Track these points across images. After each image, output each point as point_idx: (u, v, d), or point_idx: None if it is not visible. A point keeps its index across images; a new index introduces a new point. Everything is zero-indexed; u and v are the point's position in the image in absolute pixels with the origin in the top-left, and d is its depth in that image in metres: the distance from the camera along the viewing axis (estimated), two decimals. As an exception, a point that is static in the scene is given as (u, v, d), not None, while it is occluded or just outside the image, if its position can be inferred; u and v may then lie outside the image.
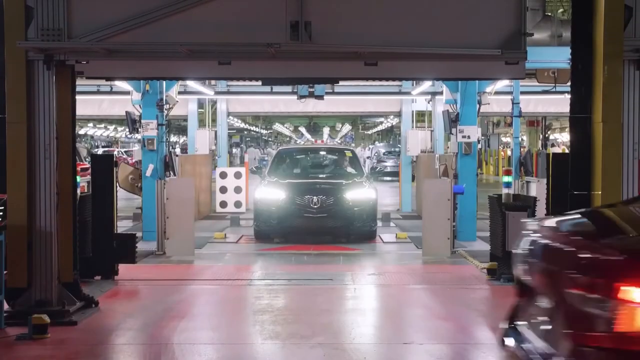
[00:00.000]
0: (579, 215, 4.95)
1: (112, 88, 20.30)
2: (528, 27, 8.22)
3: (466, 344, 7.44)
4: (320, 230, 14.03)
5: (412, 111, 22.64)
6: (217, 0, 8.04)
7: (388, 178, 32.43)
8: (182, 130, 44.09)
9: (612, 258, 3.51)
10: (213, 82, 20.16)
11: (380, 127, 49.50)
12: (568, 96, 8.95)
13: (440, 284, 10.29)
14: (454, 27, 8.16)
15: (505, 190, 10.85)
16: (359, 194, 14.28)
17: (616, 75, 8.11)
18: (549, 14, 14.48)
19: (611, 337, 3.34)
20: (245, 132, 58.78)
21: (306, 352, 7.06)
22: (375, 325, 8.40)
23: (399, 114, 23.64)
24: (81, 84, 12.04)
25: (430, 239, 12.30)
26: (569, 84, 9.16)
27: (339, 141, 65.23)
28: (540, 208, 10.29)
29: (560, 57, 12.19)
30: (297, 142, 67.30)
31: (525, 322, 4.35)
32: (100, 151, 43.84)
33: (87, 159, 23.54)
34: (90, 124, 42.63)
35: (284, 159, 16.72)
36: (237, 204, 19.64)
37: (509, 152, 37.58)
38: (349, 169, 16.24)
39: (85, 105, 21.87)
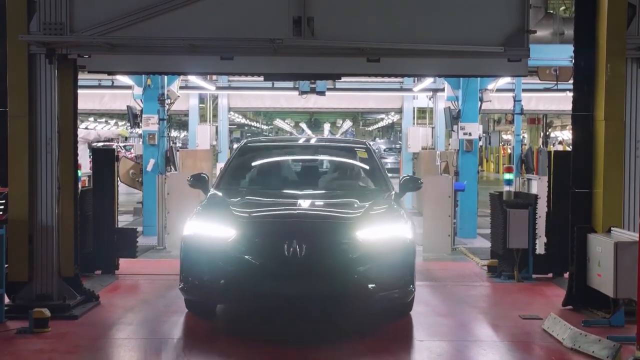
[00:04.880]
0: None
1: (113, 82, 20.28)
2: (530, 25, 8.20)
3: (466, 341, 7.43)
4: (308, 304, 7.40)
5: (414, 108, 22.65)
6: (219, -5, 8.05)
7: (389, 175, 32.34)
8: (183, 126, 44.08)
9: None
10: (214, 77, 20.13)
11: (381, 124, 49.46)
12: (569, 94, 8.95)
13: (440, 281, 10.28)
14: (457, 24, 8.15)
15: (506, 188, 10.84)
16: (383, 231, 7.56)
17: (619, 73, 8.12)
18: (551, 11, 14.45)
19: None
20: (246, 128, 58.75)
21: (306, 345, 7.03)
22: (376, 321, 8.39)
23: (400, 111, 23.64)
24: (82, 78, 12.04)
25: (431, 236, 12.29)
26: (570, 81, 9.17)
27: (339, 136, 56.94)
28: (542, 206, 10.29)
29: (562, 55, 12.19)
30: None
31: None
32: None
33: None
34: (91, 118, 42.60)
35: (248, 161, 9.59)
36: (238, 200, 19.50)
37: (509, 150, 37.59)
38: (364, 181, 9.47)
39: (86, 100, 21.88)
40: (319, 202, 8.49)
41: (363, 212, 7.80)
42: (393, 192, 8.83)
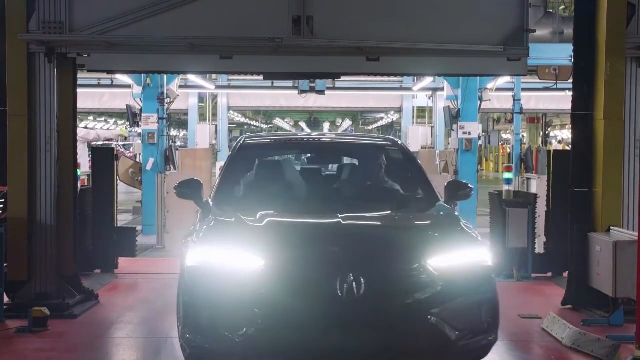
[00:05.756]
0: None
1: (112, 81, 20.30)
2: (530, 24, 8.21)
3: (466, 340, 7.41)
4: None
5: (413, 107, 22.70)
6: (219, -7, 8.04)
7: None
8: (183, 125, 44.08)
9: None
10: (214, 76, 20.13)
11: (380, 123, 49.46)
12: (569, 93, 8.95)
13: (440, 280, 10.26)
14: (457, 23, 8.14)
15: (505, 187, 10.84)
16: (458, 257, 5.60)
17: (618, 73, 8.12)
18: (551, 10, 14.46)
19: None
20: (246, 127, 58.74)
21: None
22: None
23: (399, 110, 23.68)
24: (82, 77, 12.04)
25: (431, 235, 12.26)
26: (569, 81, 9.17)
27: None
28: (541, 205, 10.28)
29: (562, 54, 12.20)
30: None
31: None
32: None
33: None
34: (91, 117, 42.59)
35: (251, 164, 7.35)
36: (237, 199, 19.48)
37: (508, 149, 37.59)
38: (405, 189, 7.28)
39: (85, 99, 21.89)
40: (368, 220, 6.27)
41: (430, 233, 5.94)
42: (441, 201, 6.84)
